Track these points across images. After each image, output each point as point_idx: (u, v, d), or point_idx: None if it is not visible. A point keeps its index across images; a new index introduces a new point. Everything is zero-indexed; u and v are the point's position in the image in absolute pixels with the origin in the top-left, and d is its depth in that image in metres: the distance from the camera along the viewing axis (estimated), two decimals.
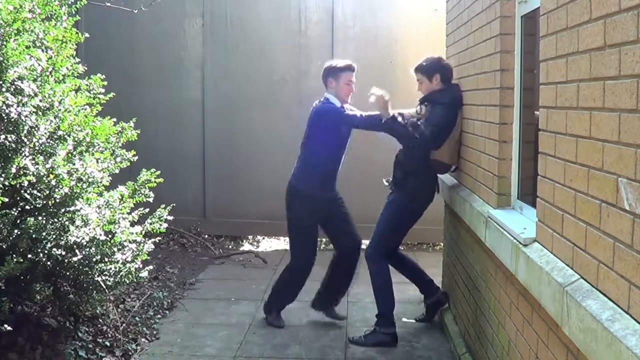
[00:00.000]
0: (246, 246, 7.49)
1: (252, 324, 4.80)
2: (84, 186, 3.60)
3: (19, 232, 3.27)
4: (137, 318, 4.68)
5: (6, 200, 3.19)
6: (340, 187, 7.19)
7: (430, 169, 4.45)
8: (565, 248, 2.21)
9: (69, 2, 3.82)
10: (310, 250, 4.74)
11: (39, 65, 3.43)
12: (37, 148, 3.41)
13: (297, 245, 4.77)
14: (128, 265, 4.00)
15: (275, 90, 7.33)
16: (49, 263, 3.49)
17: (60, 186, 3.43)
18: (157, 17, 7.11)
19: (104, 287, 3.90)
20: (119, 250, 3.91)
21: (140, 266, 4.16)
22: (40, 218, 3.40)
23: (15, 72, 3.25)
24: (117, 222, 3.87)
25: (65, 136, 3.58)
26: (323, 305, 4.89)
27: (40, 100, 3.41)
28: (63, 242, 3.47)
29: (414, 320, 4.93)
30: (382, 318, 4.51)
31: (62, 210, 3.51)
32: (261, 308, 4.97)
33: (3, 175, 3.17)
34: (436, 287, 4.95)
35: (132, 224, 4.03)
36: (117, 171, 4.00)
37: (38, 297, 4.14)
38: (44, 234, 3.38)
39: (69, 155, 3.59)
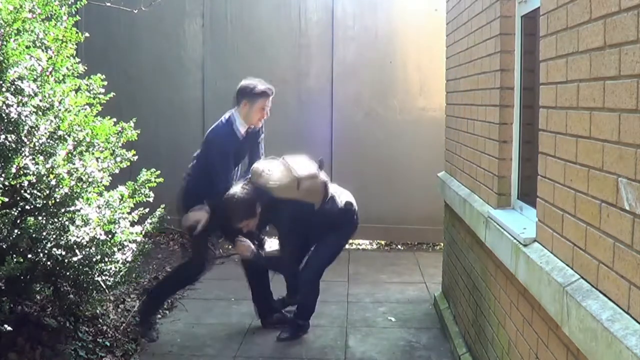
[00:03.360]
0: None
1: (252, 324, 4.80)
2: (84, 186, 3.60)
3: (19, 232, 3.27)
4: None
5: (6, 200, 3.19)
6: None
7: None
8: (565, 248, 2.21)
9: (69, 2, 3.82)
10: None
11: (39, 65, 3.43)
12: (37, 148, 3.41)
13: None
14: (128, 265, 4.00)
15: (275, 89, 7.32)
16: (49, 263, 3.49)
17: (60, 186, 3.43)
18: (157, 17, 7.11)
19: (104, 287, 3.90)
20: (119, 250, 3.91)
21: (140, 265, 4.16)
22: (40, 218, 3.40)
23: (15, 72, 3.24)
24: (117, 222, 3.87)
25: (65, 136, 3.58)
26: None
27: (40, 100, 3.41)
28: (63, 242, 3.47)
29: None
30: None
31: (62, 210, 3.50)
32: None
33: (3, 175, 3.17)
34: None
35: (132, 223, 4.03)
36: (117, 171, 4.00)
37: (38, 297, 4.14)
38: (44, 233, 3.38)
39: (69, 155, 3.59)
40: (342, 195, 4.52)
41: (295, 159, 4.33)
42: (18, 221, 3.34)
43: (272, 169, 4.24)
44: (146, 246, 4.14)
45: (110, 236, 3.80)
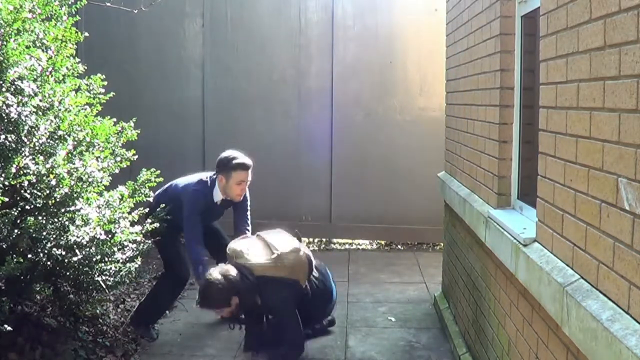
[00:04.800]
0: None
1: None
2: (84, 186, 3.60)
3: (19, 232, 3.27)
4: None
5: (6, 200, 3.19)
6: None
7: None
8: (565, 248, 2.21)
9: (69, 2, 3.82)
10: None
11: (39, 65, 3.43)
12: (37, 148, 3.41)
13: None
14: (128, 265, 4.00)
15: (275, 89, 7.34)
16: (49, 263, 3.49)
17: (61, 186, 3.43)
18: (157, 17, 7.12)
19: (104, 287, 3.90)
20: (119, 250, 3.91)
21: (140, 266, 4.16)
22: (40, 218, 3.40)
23: (15, 72, 3.24)
24: (117, 221, 3.87)
25: (65, 136, 3.58)
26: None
27: (40, 100, 3.41)
28: (63, 241, 3.47)
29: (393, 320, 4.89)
30: None
31: (62, 210, 3.50)
32: None
33: (3, 175, 3.16)
34: None
35: (132, 223, 4.03)
36: (117, 171, 4.01)
37: (38, 297, 4.14)
38: (44, 233, 3.38)
39: (69, 155, 3.59)
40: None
41: (271, 235, 4.10)
42: (18, 221, 3.34)
43: (251, 248, 4.00)
44: (145, 246, 4.14)
45: (110, 236, 3.80)
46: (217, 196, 4.41)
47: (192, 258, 4.32)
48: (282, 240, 4.07)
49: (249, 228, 4.63)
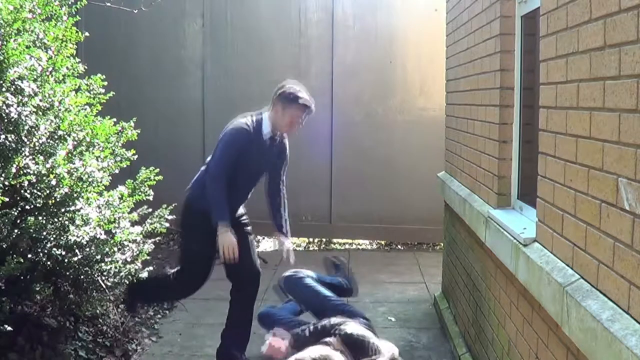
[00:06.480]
0: None
1: (252, 324, 4.79)
2: (84, 186, 3.60)
3: (19, 232, 3.27)
4: (137, 318, 4.68)
5: (6, 200, 3.19)
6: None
7: None
8: (565, 248, 2.21)
9: (69, 2, 3.82)
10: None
11: (39, 65, 3.43)
12: (37, 148, 3.41)
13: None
14: (128, 265, 4.00)
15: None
16: (49, 263, 3.49)
17: (61, 186, 3.43)
18: (157, 17, 7.12)
19: (104, 287, 3.90)
20: (119, 250, 3.91)
21: (140, 266, 4.16)
22: (40, 218, 3.40)
23: (15, 72, 3.25)
24: (117, 221, 3.87)
25: (65, 136, 3.58)
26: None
27: (41, 100, 3.41)
28: (63, 241, 3.47)
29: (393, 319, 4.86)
30: None
31: (62, 209, 3.51)
32: (261, 308, 4.95)
33: (3, 175, 3.17)
34: None
35: (133, 223, 4.03)
36: (117, 171, 4.00)
37: (38, 297, 4.14)
38: (44, 233, 3.38)
39: (69, 154, 3.59)
40: None
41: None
42: (18, 221, 3.34)
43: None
44: (145, 247, 4.14)
45: (110, 236, 3.80)
46: (266, 128, 3.91)
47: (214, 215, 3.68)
48: None
49: (283, 196, 4.16)
